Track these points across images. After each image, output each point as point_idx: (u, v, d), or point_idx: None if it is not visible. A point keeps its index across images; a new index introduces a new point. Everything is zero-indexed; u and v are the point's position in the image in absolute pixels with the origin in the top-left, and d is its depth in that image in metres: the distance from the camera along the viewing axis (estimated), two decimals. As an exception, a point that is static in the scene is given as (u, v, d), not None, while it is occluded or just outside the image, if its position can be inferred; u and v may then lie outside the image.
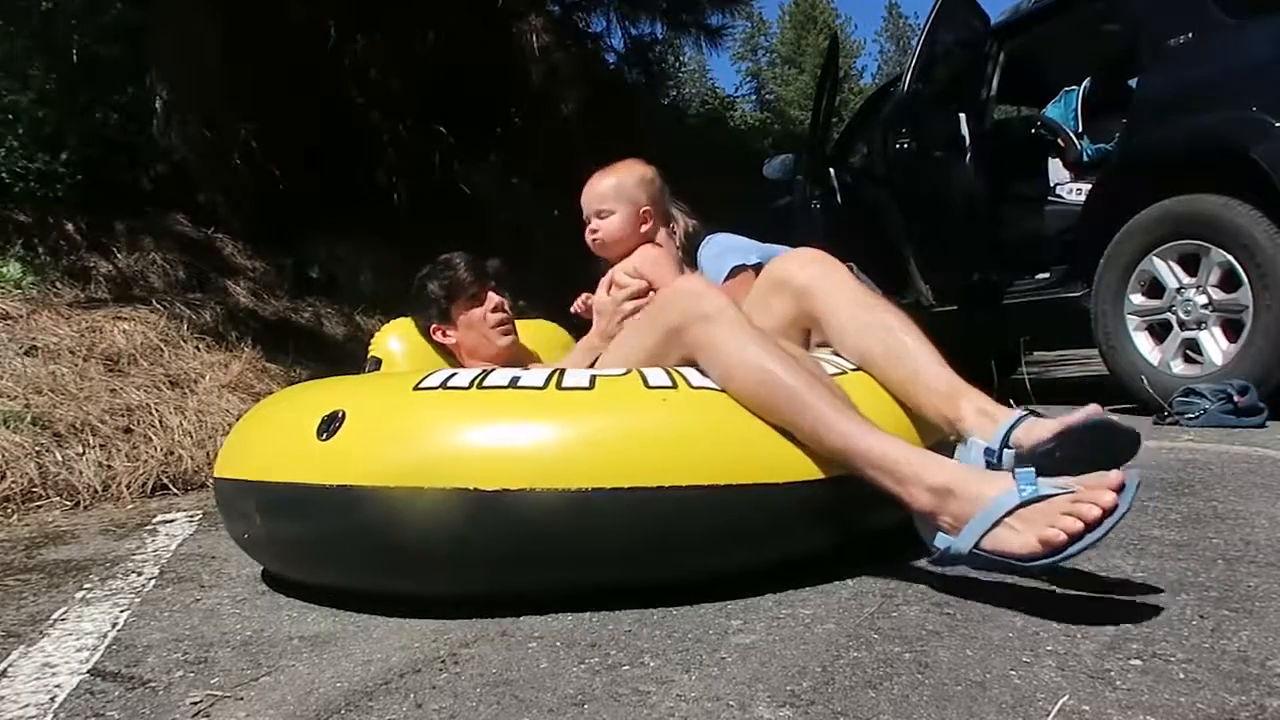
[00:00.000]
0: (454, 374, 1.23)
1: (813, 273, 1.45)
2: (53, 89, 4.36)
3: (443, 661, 0.98)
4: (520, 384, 1.19)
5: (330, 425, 1.17)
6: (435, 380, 1.22)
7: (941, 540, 1.02)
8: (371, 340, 2.12)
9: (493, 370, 1.25)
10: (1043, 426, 1.10)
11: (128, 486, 2.60)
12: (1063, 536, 0.90)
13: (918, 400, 1.27)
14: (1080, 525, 0.90)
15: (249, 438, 1.38)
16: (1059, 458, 1.06)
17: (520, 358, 1.96)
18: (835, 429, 1.10)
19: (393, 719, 0.83)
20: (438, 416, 1.17)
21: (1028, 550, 0.93)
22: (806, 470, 1.13)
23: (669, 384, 1.18)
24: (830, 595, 1.13)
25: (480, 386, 1.19)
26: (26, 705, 0.93)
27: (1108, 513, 0.90)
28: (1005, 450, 1.12)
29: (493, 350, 1.91)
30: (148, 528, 2.08)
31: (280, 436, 1.29)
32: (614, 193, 1.67)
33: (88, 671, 1.03)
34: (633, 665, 0.93)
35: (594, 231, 1.69)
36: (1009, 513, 0.96)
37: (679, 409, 1.16)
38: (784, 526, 1.17)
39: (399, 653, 1.02)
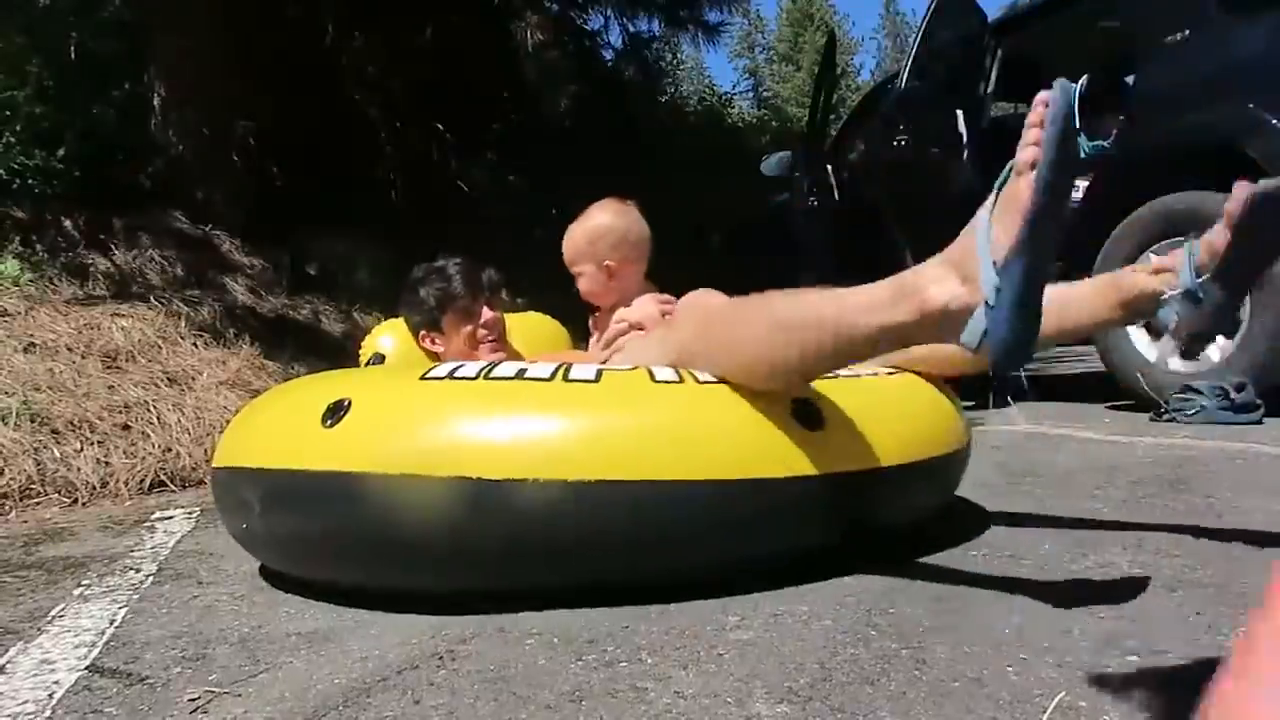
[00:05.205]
0: (460, 365, 1.24)
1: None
2: (50, 85, 4.35)
3: (440, 658, 0.98)
4: (526, 375, 1.19)
5: (336, 413, 1.17)
6: (442, 371, 1.22)
7: (976, 320, 0.88)
8: (364, 340, 2.12)
9: (500, 362, 1.25)
10: (1212, 234, 1.07)
11: (126, 483, 2.60)
12: (1028, 161, 0.82)
13: (1071, 316, 1.21)
14: (1034, 148, 0.82)
15: (251, 426, 1.38)
16: (1246, 251, 1.04)
17: None
18: (830, 323, 1.02)
19: (390, 715, 0.83)
20: (442, 405, 1.17)
21: (1021, 208, 0.83)
22: (806, 466, 1.13)
23: (676, 379, 1.19)
24: (828, 592, 1.13)
25: (486, 378, 1.19)
26: (25, 701, 0.93)
27: (1043, 120, 0.82)
28: (1199, 280, 1.09)
29: None
30: (146, 524, 2.08)
31: (283, 424, 1.29)
32: (575, 255, 1.70)
33: (86, 668, 1.03)
34: (630, 662, 0.93)
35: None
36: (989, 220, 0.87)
37: (684, 403, 1.16)
38: (785, 522, 1.17)
39: (396, 649, 1.02)
